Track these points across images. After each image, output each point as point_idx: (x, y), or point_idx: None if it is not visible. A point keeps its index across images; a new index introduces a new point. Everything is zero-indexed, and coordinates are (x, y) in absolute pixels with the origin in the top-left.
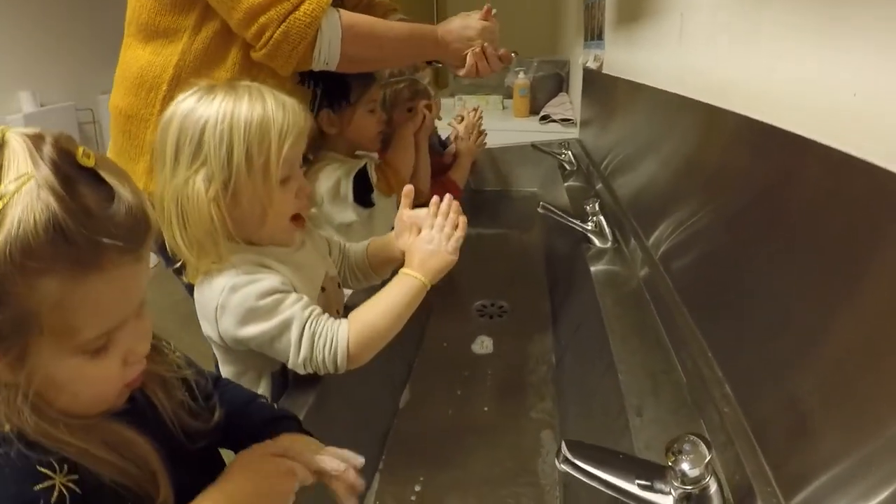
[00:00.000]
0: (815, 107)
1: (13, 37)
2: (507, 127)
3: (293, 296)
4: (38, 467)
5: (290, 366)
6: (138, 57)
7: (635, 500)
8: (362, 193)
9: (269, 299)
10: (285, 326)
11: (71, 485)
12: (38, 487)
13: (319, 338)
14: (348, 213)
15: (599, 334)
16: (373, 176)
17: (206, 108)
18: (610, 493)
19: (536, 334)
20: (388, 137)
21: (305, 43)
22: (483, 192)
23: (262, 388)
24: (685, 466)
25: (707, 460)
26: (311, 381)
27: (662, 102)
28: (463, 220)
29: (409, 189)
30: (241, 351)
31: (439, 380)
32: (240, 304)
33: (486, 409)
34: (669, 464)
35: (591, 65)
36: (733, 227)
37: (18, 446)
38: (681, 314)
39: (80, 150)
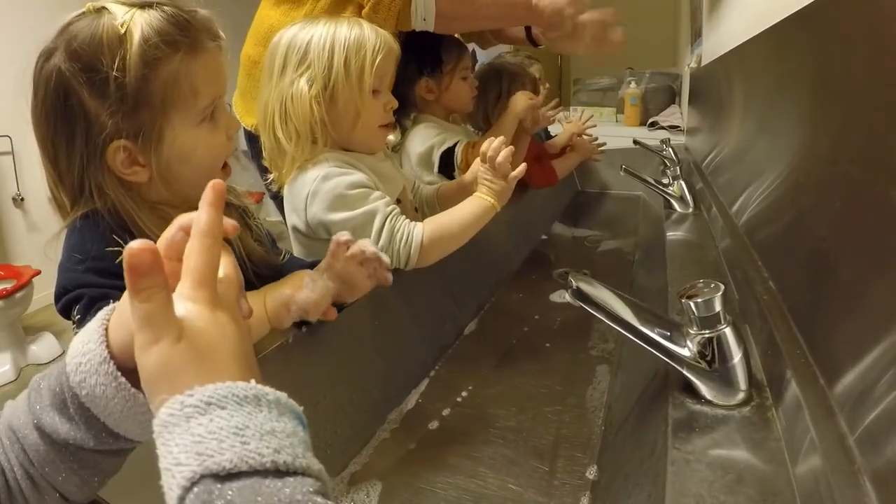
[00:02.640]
0: None
1: None
2: (616, 133)
3: (378, 192)
4: (114, 235)
5: None
6: (270, 16)
7: (652, 345)
8: (446, 168)
9: (358, 190)
10: (370, 217)
11: None
12: (109, 249)
13: (398, 231)
14: (434, 177)
15: (661, 265)
16: (457, 158)
17: (311, 29)
18: (626, 334)
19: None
20: (486, 111)
21: None
22: (587, 192)
23: None
24: (699, 302)
25: (721, 293)
26: None
27: (761, 48)
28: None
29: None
30: (320, 244)
31: (508, 318)
32: (330, 191)
33: (547, 344)
34: (682, 301)
35: (692, 65)
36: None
37: (104, 218)
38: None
39: None
